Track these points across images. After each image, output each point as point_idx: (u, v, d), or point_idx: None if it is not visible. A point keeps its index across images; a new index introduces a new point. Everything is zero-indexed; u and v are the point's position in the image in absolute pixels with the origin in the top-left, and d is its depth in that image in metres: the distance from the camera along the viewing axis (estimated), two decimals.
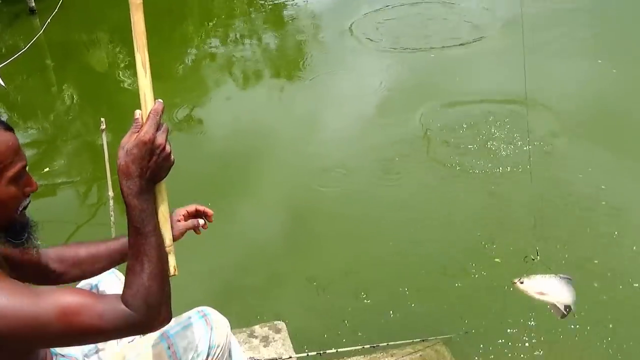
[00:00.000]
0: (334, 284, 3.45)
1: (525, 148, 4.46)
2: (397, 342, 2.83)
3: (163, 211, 1.34)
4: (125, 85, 6.67)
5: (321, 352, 2.58)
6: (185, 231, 1.72)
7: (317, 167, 4.62)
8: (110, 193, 2.62)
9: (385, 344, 2.77)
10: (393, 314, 3.22)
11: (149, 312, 1.27)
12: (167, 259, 1.36)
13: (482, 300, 3.26)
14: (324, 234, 3.88)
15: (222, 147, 5.12)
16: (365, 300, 3.33)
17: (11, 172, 1.28)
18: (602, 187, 4.05)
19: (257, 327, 2.73)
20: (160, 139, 1.28)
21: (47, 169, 4.78)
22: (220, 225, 1.87)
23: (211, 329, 1.75)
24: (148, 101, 1.28)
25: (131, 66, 6.02)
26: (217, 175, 4.66)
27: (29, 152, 4.77)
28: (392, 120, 5.23)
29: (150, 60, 1.28)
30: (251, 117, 5.61)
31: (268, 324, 2.74)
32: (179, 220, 1.72)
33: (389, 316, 3.21)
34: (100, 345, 1.86)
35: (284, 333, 2.70)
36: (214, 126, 5.63)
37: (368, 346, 2.73)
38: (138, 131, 1.26)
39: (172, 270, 1.38)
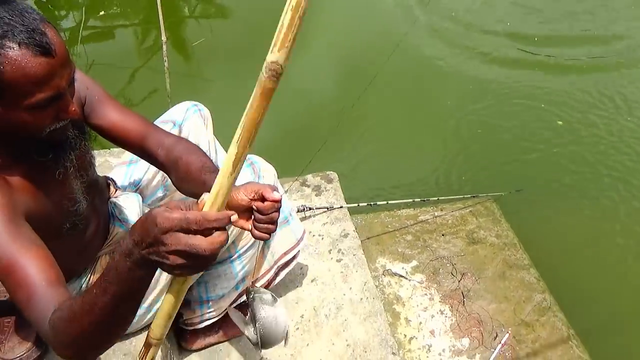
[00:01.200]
0: (389, 140, 3.44)
1: None
2: (448, 197, 2.87)
3: (170, 301, 1.02)
4: None
5: (371, 203, 2.61)
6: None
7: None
8: (164, 38, 2.53)
9: (435, 198, 2.81)
10: (446, 171, 3.22)
11: (67, 351, 1.09)
12: (125, 327, 1.09)
13: (538, 162, 3.24)
14: (383, 88, 3.75)
15: None
16: (419, 157, 3.32)
17: (29, 101, 1.17)
18: None
19: (309, 176, 2.76)
20: (175, 240, 0.89)
21: (102, 12, 4.68)
22: None
23: (258, 177, 1.78)
24: (219, 198, 0.95)
25: None
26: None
27: None
28: None
29: None
30: None
31: (320, 174, 2.76)
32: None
33: (442, 173, 3.22)
34: (167, 192, 1.93)
35: (336, 183, 2.72)
36: None
37: (419, 200, 2.78)
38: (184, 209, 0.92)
39: None
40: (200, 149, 1.57)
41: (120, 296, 0.97)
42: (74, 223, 1.46)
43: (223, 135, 1.94)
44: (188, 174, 1.47)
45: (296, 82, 3.66)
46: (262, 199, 1.28)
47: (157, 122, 1.89)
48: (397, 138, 3.45)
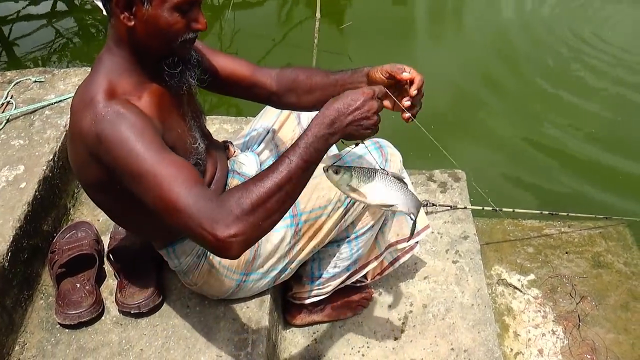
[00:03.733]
0: (524, 146, 3.33)
1: None
2: (578, 214, 2.72)
3: None
4: None
5: (497, 208, 2.53)
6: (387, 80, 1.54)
7: None
8: (318, 15, 2.44)
9: (565, 213, 2.69)
10: (579, 186, 3.09)
11: (239, 224, 1.19)
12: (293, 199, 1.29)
13: None
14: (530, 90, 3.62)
15: None
16: (552, 167, 3.20)
17: (176, 0, 1.31)
18: None
19: (437, 172, 2.74)
20: (376, 102, 1.30)
21: None
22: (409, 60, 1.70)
23: (385, 160, 1.79)
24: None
25: None
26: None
27: None
28: None
29: None
30: None
31: (449, 171, 2.73)
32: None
33: (575, 188, 3.08)
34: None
35: (463, 182, 2.68)
36: None
37: (546, 212, 2.67)
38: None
39: None
40: (304, 68, 1.74)
41: (303, 167, 1.23)
42: (197, 161, 1.56)
43: None
44: (313, 84, 1.66)
45: (440, 68, 3.58)
46: (393, 78, 1.51)
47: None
48: (533, 145, 3.33)
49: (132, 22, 1.32)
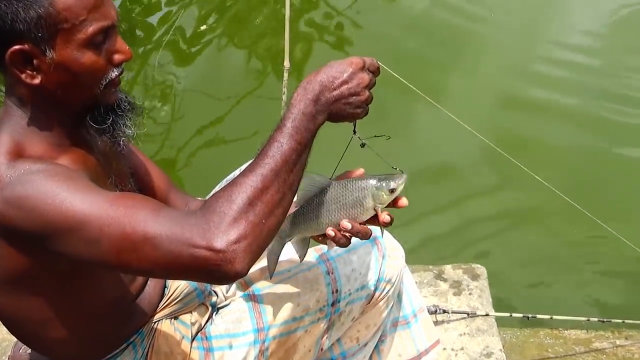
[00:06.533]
0: (562, 236, 2.96)
1: None
2: (636, 322, 2.34)
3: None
4: None
5: (529, 315, 2.23)
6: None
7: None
8: (287, 64, 2.30)
9: (620, 320, 2.30)
10: (636, 287, 2.73)
11: (235, 230, 1.05)
12: (294, 190, 1.20)
13: None
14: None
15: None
16: (600, 263, 2.84)
17: (84, 34, 1.16)
18: None
19: (448, 267, 2.42)
20: (367, 75, 1.22)
21: (204, 27, 4.53)
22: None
23: (383, 257, 1.63)
24: None
25: None
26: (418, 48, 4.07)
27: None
28: None
29: None
30: None
31: (464, 266, 2.42)
32: None
33: (631, 288, 2.74)
34: None
35: (483, 281, 2.34)
36: None
37: (595, 319, 2.33)
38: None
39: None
40: None
41: (297, 149, 1.14)
42: None
43: None
44: None
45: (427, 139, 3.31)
46: None
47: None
48: (572, 237, 2.96)
49: (38, 79, 1.18)
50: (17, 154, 1.18)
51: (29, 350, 1.59)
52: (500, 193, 3.21)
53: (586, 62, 3.86)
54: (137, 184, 1.53)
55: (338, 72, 1.20)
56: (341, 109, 1.21)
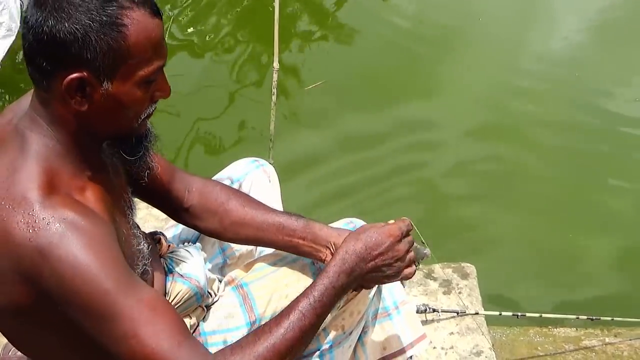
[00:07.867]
0: (550, 231, 2.96)
1: None
2: (626, 319, 2.37)
3: None
4: None
5: (518, 314, 2.25)
6: None
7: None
8: (276, 65, 2.27)
9: (609, 318, 2.32)
10: (627, 284, 2.74)
11: None
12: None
13: None
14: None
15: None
16: (588, 258, 2.84)
17: (144, 72, 1.14)
18: None
19: (437, 266, 2.40)
20: (403, 246, 1.25)
21: (191, 29, 4.44)
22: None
23: None
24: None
25: None
26: (400, 68, 3.98)
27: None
28: None
29: None
30: None
31: (453, 265, 2.41)
32: None
33: (622, 284, 2.73)
34: (229, 260, 1.82)
35: (473, 280, 2.34)
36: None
37: (584, 317, 2.33)
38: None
39: None
40: (238, 191, 1.62)
41: (316, 324, 1.17)
42: (144, 269, 1.36)
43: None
44: (247, 218, 1.51)
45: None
46: None
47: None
48: (561, 232, 2.95)
49: (85, 107, 1.14)
50: (50, 186, 1.13)
51: (18, 353, 1.52)
52: (489, 192, 3.21)
53: (569, 73, 3.82)
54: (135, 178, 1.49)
55: (376, 244, 1.22)
56: (373, 278, 1.24)
